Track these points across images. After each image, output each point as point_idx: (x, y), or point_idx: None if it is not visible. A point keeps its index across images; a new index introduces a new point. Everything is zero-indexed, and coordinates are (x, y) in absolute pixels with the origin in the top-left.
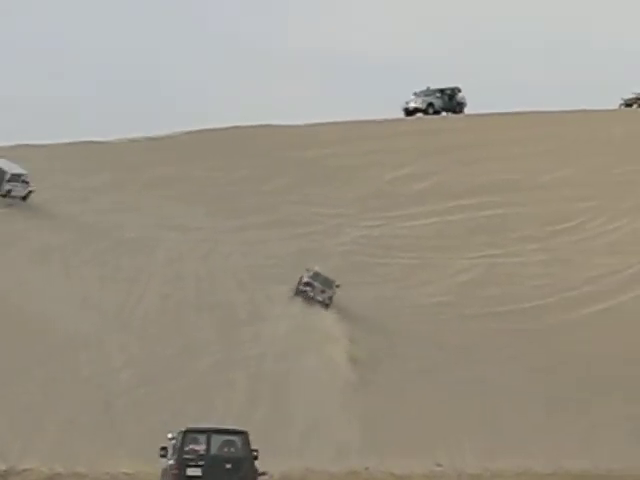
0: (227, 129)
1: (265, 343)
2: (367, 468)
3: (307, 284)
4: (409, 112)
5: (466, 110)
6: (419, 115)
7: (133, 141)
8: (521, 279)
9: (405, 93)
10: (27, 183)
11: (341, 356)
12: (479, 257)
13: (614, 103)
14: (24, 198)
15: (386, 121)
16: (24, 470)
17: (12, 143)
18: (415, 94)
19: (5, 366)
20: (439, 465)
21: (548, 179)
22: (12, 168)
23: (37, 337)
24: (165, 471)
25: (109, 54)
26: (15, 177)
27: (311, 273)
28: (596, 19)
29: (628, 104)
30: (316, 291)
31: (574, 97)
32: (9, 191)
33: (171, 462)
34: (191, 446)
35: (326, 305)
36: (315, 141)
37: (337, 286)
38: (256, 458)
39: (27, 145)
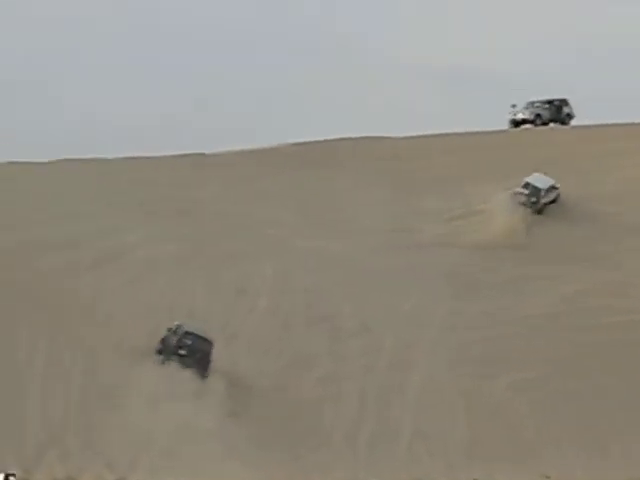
0: (331, 141)
1: (373, 355)
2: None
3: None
4: (516, 123)
5: (574, 122)
6: (527, 126)
7: (237, 153)
8: (631, 289)
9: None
10: (556, 189)
11: (445, 366)
12: (584, 268)
13: None
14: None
15: (493, 132)
16: None
17: (121, 155)
18: (513, 106)
19: (111, 379)
20: (547, 477)
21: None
22: (545, 182)
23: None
24: None
25: (208, 65)
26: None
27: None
28: None
29: None
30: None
31: None
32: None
33: None
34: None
35: None
36: (419, 152)
37: None
38: None
39: (134, 157)
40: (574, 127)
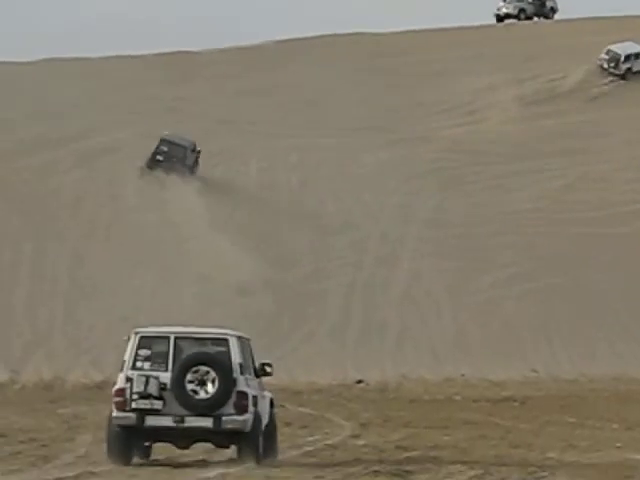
0: (315, 37)
1: (358, 252)
2: (463, 375)
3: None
4: (500, 18)
5: (557, 16)
6: (510, 21)
7: (223, 51)
8: (616, 183)
9: None
10: None
11: (430, 261)
12: (571, 162)
13: None
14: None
15: (477, 27)
16: None
17: (106, 54)
18: (504, 0)
19: (99, 278)
20: (534, 371)
21: (637, 83)
22: (627, 48)
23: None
24: None
25: None
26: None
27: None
28: None
29: None
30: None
31: None
32: (629, 69)
33: None
34: None
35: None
36: (404, 48)
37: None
38: None
39: (120, 56)
40: (558, 21)
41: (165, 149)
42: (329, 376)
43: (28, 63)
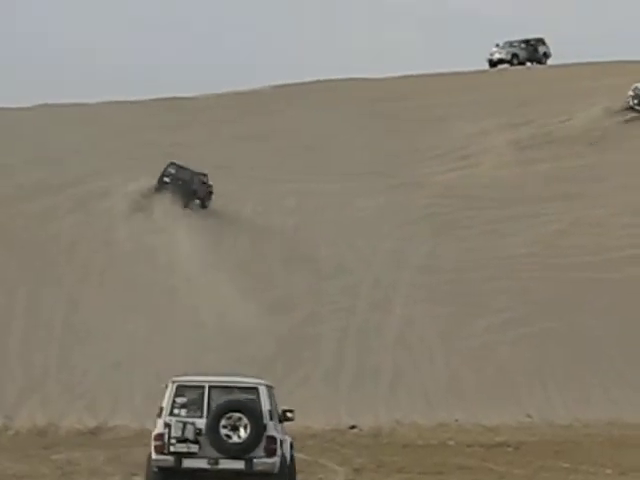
0: (313, 82)
1: (352, 297)
2: (457, 420)
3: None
4: (493, 63)
5: (550, 61)
6: (503, 66)
7: (220, 96)
8: (611, 227)
9: (489, 45)
10: None
11: (423, 306)
12: (566, 207)
13: None
14: None
15: (470, 72)
16: (114, 426)
17: (99, 100)
18: (497, 45)
19: (94, 323)
20: (529, 416)
21: (637, 129)
22: None
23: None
24: None
25: (191, 9)
26: None
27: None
28: None
29: None
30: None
31: None
32: None
33: None
34: None
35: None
36: (399, 93)
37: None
38: None
39: (114, 102)
40: (551, 66)
41: (172, 171)
42: (323, 421)
43: (27, 109)
